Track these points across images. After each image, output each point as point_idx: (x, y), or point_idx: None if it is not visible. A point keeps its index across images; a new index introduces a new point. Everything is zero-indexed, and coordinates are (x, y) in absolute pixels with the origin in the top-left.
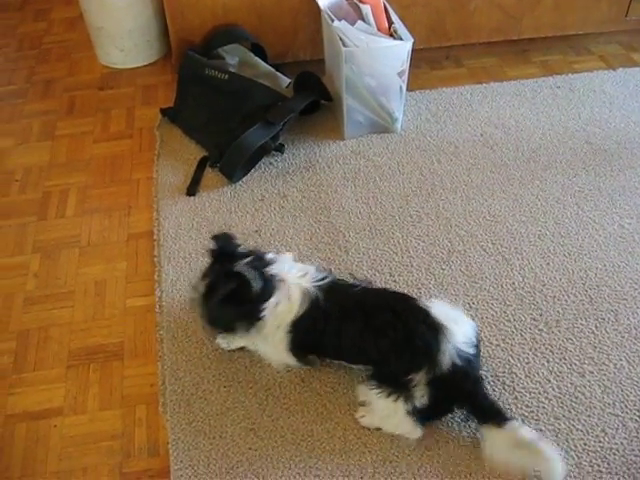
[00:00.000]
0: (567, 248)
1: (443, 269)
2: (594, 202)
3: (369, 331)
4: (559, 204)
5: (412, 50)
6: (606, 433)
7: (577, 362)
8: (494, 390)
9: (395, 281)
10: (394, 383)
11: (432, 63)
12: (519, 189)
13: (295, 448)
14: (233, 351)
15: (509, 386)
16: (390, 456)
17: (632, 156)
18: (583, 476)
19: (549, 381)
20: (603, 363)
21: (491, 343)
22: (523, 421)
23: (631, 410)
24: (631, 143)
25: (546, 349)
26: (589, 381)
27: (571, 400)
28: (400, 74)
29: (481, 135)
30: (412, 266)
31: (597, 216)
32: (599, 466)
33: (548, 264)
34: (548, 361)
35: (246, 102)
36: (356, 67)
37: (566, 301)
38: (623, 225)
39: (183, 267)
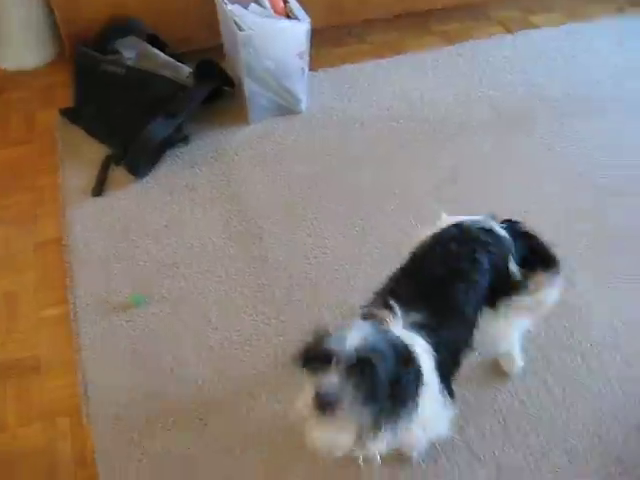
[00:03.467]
0: (481, 211)
1: (357, 247)
2: (499, 163)
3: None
4: (467, 169)
5: (312, 29)
6: None
7: None
8: None
9: (311, 264)
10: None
11: (334, 41)
12: (426, 159)
13: (222, 444)
14: (158, 354)
15: None
16: None
17: (534, 117)
18: None
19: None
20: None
21: None
22: None
23: None
24: (533, 104)
25: None
26: None
27: None
28: (300, 55)
29: (387, 110)
30: (327, 247)
31: (502, 177)
32: None
33: None
34: None
35: (146, 95)
36: (254, 51)
37: None
38: (528, 186)
39: (96, 271)
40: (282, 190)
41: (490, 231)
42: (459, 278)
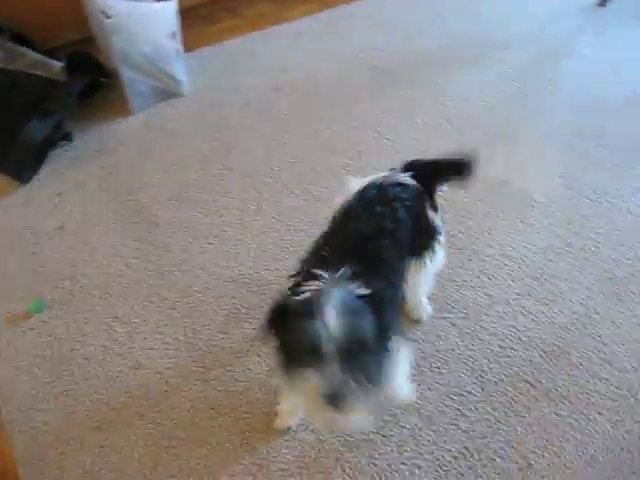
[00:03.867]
0: (370, 172)
1: (256, 220)
2: (387, 121)
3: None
4: (356, 131)
5: (182, 8)
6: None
7: None
8: None
9: (211, 243)
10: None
11: (209, 18)
12: (315, 125)
13: (145, 433)
14: (67, 356)
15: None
16: None
17: (415, 71)
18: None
19: None
20: None
21: None
22: None
23: None
24: (412, 60)
25: None
26: None
27: None
28: (172, 36)
29: (268, 82)
30: (225, 225)
31: (392, 134)
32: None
33: None
34: None
35: (18, 96)
36: (126, 37)
37: None
38: (419, 139)
39: None
40: (173, 175)
41: (404, 185)
42: (384, 236)
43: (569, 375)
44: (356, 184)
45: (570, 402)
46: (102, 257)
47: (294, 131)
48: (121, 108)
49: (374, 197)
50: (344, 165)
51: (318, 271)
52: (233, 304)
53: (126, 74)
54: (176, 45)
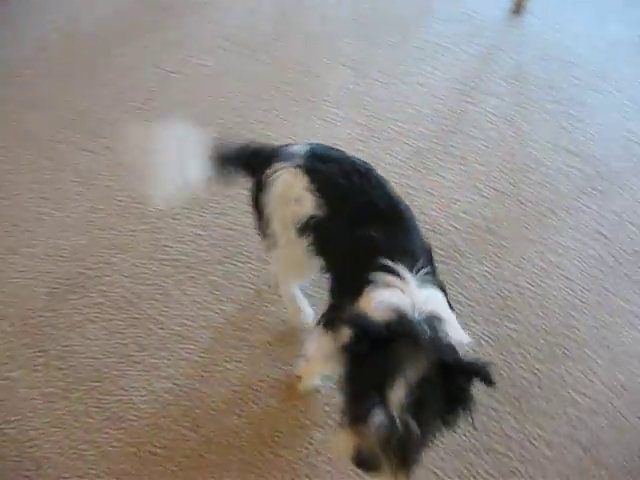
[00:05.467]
0: (166, 112)
1: (56, 188)
2: (167, 55)
3: None
4: (138, 71)
5: None
6: None
7: None
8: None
9: (14, 224)
10: None
11: None
12: (96, 73)
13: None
14: None
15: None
16: None
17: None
18: None
19: None
20: None
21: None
22: None
23: None
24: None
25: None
26: None
27: None
28: None
29: (38, 35)
30: (24, 202)
31: (176, 66)
32: None
33: None
34: None
35: None
36: None
37: None
38: (206, 65)
39: None
40: None
41: (330, 147)
42: (386, 190)
43: None
44: (280, 181)
45: None
46: None
47: (77, 85)
48: None
49: (333, 169)
50: (135, 109)
51: (393, 265)
52: (53, 279)
53: None
54: None
